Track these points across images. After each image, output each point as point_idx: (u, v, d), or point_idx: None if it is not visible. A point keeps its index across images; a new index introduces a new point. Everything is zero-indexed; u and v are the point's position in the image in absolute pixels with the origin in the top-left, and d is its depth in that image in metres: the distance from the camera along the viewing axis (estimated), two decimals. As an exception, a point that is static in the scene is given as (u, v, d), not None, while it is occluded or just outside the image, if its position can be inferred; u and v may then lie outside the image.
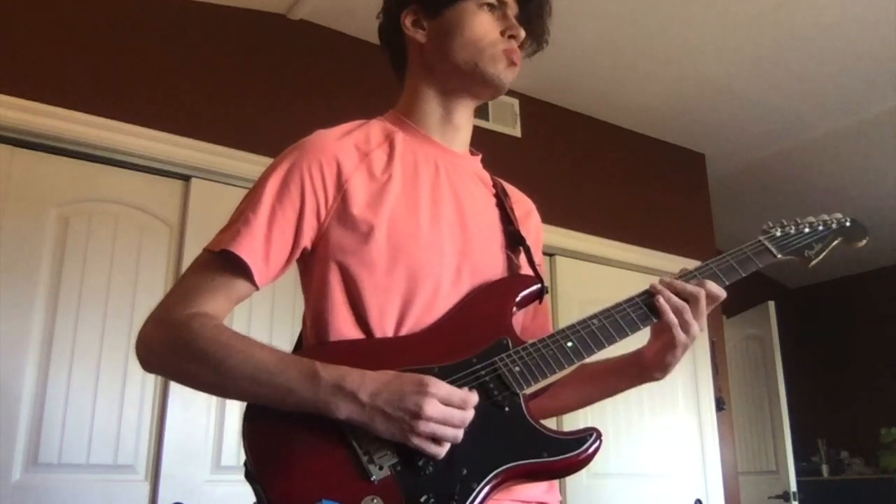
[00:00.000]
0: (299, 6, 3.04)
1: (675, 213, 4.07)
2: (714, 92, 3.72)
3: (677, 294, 1.11)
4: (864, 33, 3.23)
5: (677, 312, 1.10)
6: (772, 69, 3.52)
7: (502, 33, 1.19)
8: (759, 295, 4.91)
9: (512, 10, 1.21)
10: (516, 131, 3.61)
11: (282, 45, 3.09)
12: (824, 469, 5.63)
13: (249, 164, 2.70)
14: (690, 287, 1.12)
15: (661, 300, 1.11)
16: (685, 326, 1.11)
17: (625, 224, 3.82)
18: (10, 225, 2.44)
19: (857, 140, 4.16)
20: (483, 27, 1.18)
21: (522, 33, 1.20)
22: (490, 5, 1.19)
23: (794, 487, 4.47)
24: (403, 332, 1.07)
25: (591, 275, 3.61)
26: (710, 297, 1.13)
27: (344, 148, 1.13)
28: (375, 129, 1.20)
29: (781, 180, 4.65)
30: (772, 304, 4.78)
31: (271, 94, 3.00)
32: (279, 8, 3.07)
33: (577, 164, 3.82)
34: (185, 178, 2.77)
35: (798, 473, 4.66)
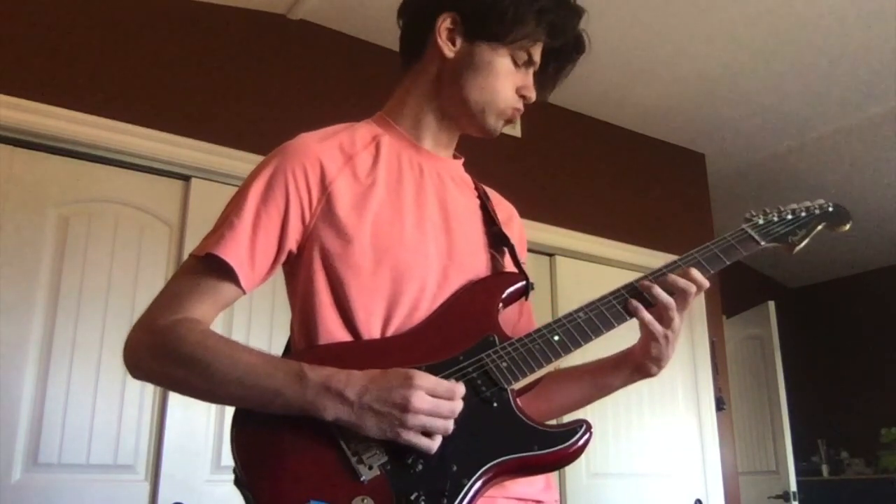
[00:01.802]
0: (299, 6, 3.04)
1: (674, 213, 4.07)
2: (714, 92, 3.72)
3: (666, 288, 1.11)
4: (864, 33, 3.23)
5: (662, 308, 1.10)
6: (772, 69, 3.52)
7: (517, 90, 1.19)
8: (759, 295, 4.92)
9: (535, 67, 1.21)
10: (516, 131, 3.61)
11: (282, 45, 3.09)
12: (824, 469, 5.64)
13: (249, 164, 2.65)
14: (682, 282, 1.11)
15: (642, 299, 1.11)
16: (666, 322, 1.11)
17: (625, 224, 3.82)
18: (10, 225, 2.44)
19: (857, 140, 4.16)
20: (504, 79, 1.17)
21: (534, 98, 1.20)
22: (523, 59, 1.18)
23: (794, 487, 4.48)
24: (390, 333, 1.07)
25: (591, 275, 3.61)
26: (696, 286, 1.13)
27: (327, 150, 1.13)
28: (362, 131, 1.20)
29: (782, 180, 4.65)
30: (772, 304, 4.79)
31: (271, 94, 3.00)
32: (279, 8, 3.07)
33: (577, 164, 3.82)
34: (185, 178, 2.77)
35: (798, 473, 4.66)
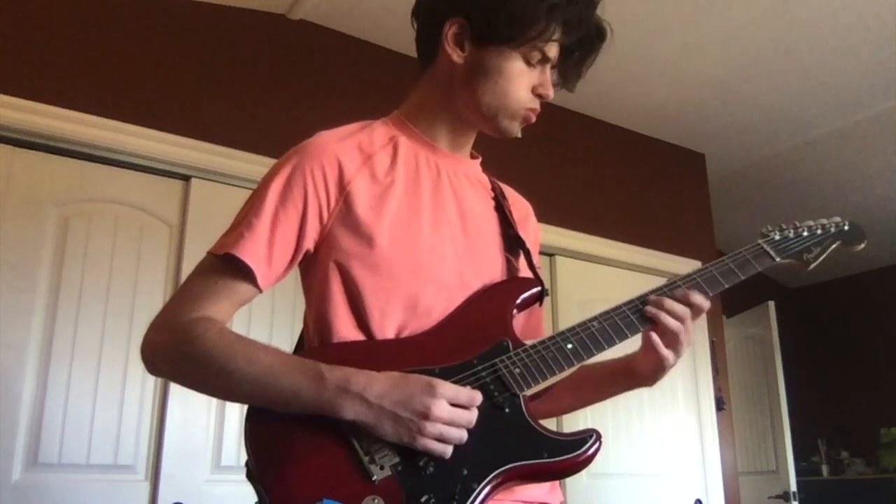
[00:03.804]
0: (299, 6, 3.04)
1: (675, 213, 4.07)
2: (714, 92, 3.72)
3: (672, 315, 1.12)
4: (864, 33, 3.23)
5: (672, 335, 1.11)
6: (772, 69, 3.52)
7: (533, 89, 1.16)
8: (759, 295, 4.92)
9: (553, 62, 1.17)
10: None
11: (282, 45, 3.09)
12: (824, 469, 5.64)
13: (249, 164, 2.70)
14: (679, 308, 1.12)
15: (655, 333, 1.12)
16: (676, 348, 1.12)
17: (625, 224, 3.82)
18: (10, 225, 2.44)
19: (857, 140, 4.16)
20: (517, 81, 1.14)
21: (551, 95, 1.17)
22: (533, 59, 1.14)
23: (794, 487, 4.48)
24: (405, 334, 1.07)
25: (591, 275, 3.61)
26: (696, 309, 1.14)
27: (346, 150, 1.13)
28: (379, 131, 1.19)
29: (781, 180, 4.65)
30: (772, 304, 4.79)
31: (271, 94, 3.00)
32: (279, 8, 3.07)
33: (577, 164, 3.82)
34: (185, 178, 2.77)
35: (798, 473, 4.67)
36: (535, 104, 1.18)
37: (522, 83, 1.15)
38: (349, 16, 3.12)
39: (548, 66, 1.17)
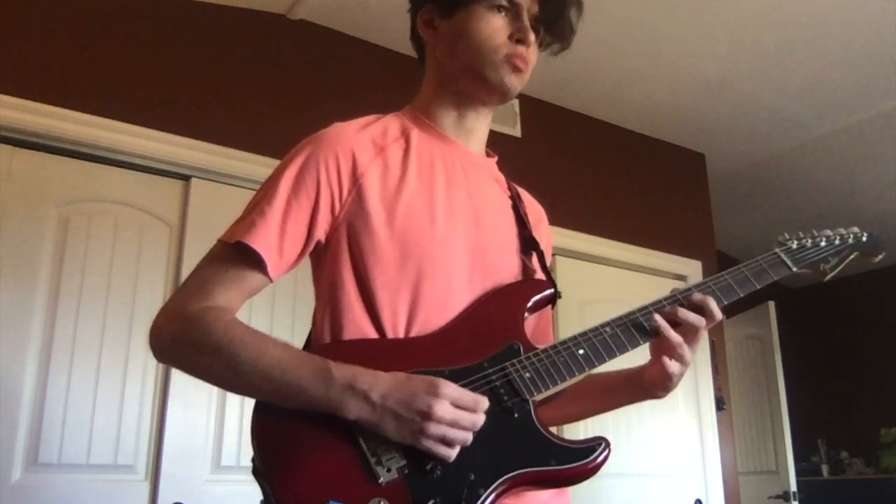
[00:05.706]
0: (299, 6, 3.04)
1: (675, 213, 4.07)
2: (714, 92, 3.72)
3: (685, 323, 1.10)
4: (864, 33, 3.23)
5: (672, 347, 1.10)
6: (771, 69, 3.52)
7: (510, 37, 1.15)
8: (759, 295, 4.90)
9: (529, 10, 1.16)
10: (516, 131, 3.61)
11: (282, 45, 3.09)
12: (824, 469, 5.64)
13: (249, 164, 2.70)
14: (693, 317, 1.10)
15: (659, 343, 1.10)
16: (681, 359, 1.11)
17: (625, 224, 3.82)
18: (10, 225, 2.44)
19: (857, 140, 4.16)
20: (488, 31, 1.14)
21: (531, 37, 1.15)
22: (501, 7, 1.15)
23: (794, 487, 4.48)
24: (415, 329, 1.06)
25: (591, 275, 3.61)
26: (709, 317, 1.12)
27: (360, 141, 1.12)
28: (392, 124, 1.19)
29: (781, 180, 4.65)
30: (772, 304, 4.79)
31: (271, 94, 3.00)
32: (279, 8, 3.07)
33: (577, 164, 3.82)
34: (185, 178, 2.77)
35: (798, 473, 4.67)
36: (515, 48, 1.15)
37: (495, 33, 1.14)
38: (349, 16, 3.12)
39: (523, 13, 1.16)
